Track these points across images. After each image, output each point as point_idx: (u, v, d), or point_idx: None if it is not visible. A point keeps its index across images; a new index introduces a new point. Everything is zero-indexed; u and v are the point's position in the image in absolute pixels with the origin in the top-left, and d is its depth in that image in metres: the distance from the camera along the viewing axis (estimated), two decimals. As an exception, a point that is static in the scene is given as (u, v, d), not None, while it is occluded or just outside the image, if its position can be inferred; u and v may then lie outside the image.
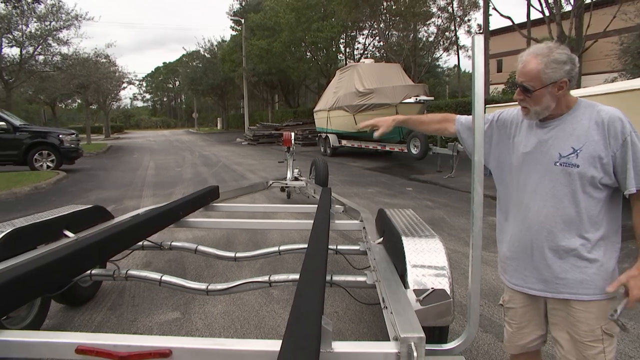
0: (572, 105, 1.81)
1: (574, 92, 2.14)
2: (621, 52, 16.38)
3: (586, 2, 15.29)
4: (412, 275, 2.32)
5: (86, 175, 13.67)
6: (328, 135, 18.15)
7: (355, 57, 32.00)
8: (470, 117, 2.00)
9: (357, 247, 3.50)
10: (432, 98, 14.91)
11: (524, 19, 20.66)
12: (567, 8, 16.02)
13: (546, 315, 1.93)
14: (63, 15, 20.42)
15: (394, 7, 23.84)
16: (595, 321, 1.76)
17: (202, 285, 2.85)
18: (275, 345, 1.48)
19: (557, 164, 1.78)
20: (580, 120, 1.76)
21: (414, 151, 13.42)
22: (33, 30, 19.62)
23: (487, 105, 11.31)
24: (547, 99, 1.77)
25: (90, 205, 3.91)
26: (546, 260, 1.83)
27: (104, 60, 30.74)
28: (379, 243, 3.13)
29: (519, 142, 1.93)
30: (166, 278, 2.90)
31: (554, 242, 1.80)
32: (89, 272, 3.05)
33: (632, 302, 1.65)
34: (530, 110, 1.82)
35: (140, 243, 3.61)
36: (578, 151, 1.74)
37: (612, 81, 16.39)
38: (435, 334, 2.26)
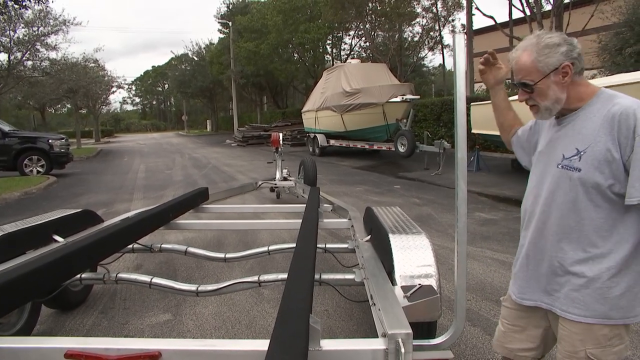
0: (588, 99, 1.58)
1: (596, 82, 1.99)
2: (599, 49, 16.64)
3: (565, 1, 15.52)
4: (400, 272, 2.34)
5: (76, 180, 13.58)
6: (316, 135, 18.19)
7: (342, 57, 32.08)
8: (526, 130, 1.92)
9: (345, 245, 3.53)
10: (418, 97, 15.00)
11: (507, 18, 20.87)
12: (548, 7, 16.25)
13: (545, 330, 1.78)
14: (51, 21, 20.20)
15: (379, 7, 23.95)
16: (580, 343, 1.58)
17: (192, 287, 2.86)
18: (263, 345, 1.49)
19: (559, 166, 1.60)
20: (593, 116, 1.53)
21: (402, 149, 13.51)
22: (21, 36, 19.40)
23: (471, 104, 11.44)
24: (554, 91, 1.58)
25: (80, 210, 3.90)
26: (541, 271, 1.69)
27: (92, 64, 30.49)
28: (366, 241, 3.16)
29: (538, 141, 1.81)
30: (156, 280, 2.91)
31: (552, 253, 1.64)
32: (79, 276, 3.04)
33: None
34: (540, 107, 1.63)
35: (131, 246, 3.60)
36: (582, 153, 1.52)
37: (592, 78, 16.63)
38: (424, 329, 2.29)
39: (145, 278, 2.94)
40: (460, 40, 1.73)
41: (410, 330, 1.63)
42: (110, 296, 4.11)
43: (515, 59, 1.64)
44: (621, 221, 1.50)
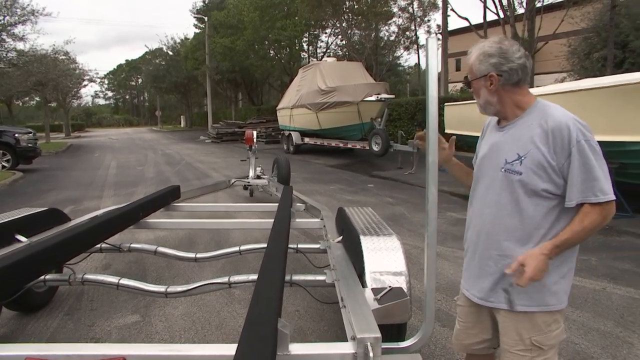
0: (527, 107, 1.72)
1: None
2: (569, 53, 17.11)
3: (537, 5, 15.88)
4: (370, 274, 2.35)
5: (44, 175, 13.18)
6: (291, 133, 18.14)
7: (318, 55, 32.06)
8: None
9: (317, 246, 3.51)
10: (393, 96, 15.10)
11: (481, 20, 21.21)
12: (521, 11, 16.60)
13: (494, 322, 1.86)
14: (18, 10, 19.56)
15: (356, 6, 24.00)
16: (525, 332, 1.70)
17: (161, 288, 2.80)
18: (230, 349, 1.46)
19: (502, 169, 1.73)
20: (530, 125, 1.68)
21: (376, 148, 13.58)
22: (-15, 26, 18.75)
23: (445, 104, 11.58)
24: (484, 93, 1.75)
25: (45, 208, 3.78)
26: (488, 270, 1.78)
27: (63, 57, 29.63)
28: (338, 242, 3.15)
29: (481, 146, 1.93)
30: (124, 282, 2.83)
31: (498, 251, 1.74)
32: (43, 277, 2.93)
33: (523, 280, 1.58)
34: (479, 102, 1.81)
35: (99, 246, 3.50)
36: (522, 158, 1.66)
37: (562, 81, 17.08)
38: (393, 331, 2.30)
39: (113, 279, 2.86)
40: (433, 43, 1.73)
41: (379, 334, 1.62)
42: (77, 297, 4.00)
43: (468, 55, 1.81)
44: (557, 219, 1.67)
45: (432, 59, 1.74)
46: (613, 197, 1.58)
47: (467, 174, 2.09)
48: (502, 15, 16.18)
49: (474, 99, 1.85)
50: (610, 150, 5.80)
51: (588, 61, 16.00)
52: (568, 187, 1.60)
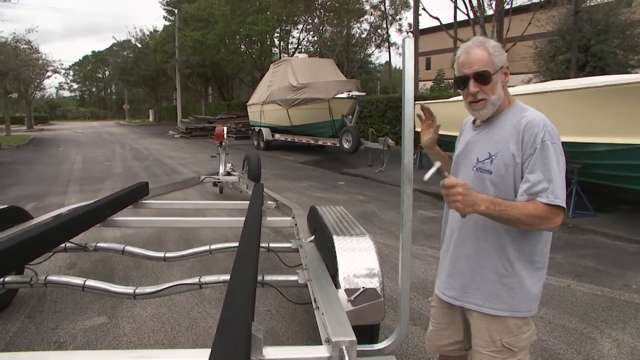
0: (505, 107, 1.72)
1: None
2: (535, 55, 17.55)
3: (506, 7, 16.21)
4: (343, 275, 2.33)
5: (4, 170, 12.69)
6: (261, 129, 17.98)
7: (290, 51, 31.87)
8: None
9: (289, 245, 3.48)
10: (364, 94, 15.15)
11: (452, 20, 21.53)
12: (490, 12, 16.92)
13: (466, 324, 1.86)
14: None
15: (328, 3, 23.97)
16: (496, 334, 1.70)
17: (129, 289, 2.71)
18: (203, 354, 1.42)
19: (474, 168, 1.72)
20: (505, 124, 1.68)
21: (346, 145, 13.62)
22: None
23: (415, 102, 11.70)
24: (499, 87, 1.68)
25: (6, 206, 3.62)
26: (459, 268, 1.79)
27: (25, 46, 28.47)
28: (310, 241, 3.13)
29: (458, 146, 1.92)
30: (90, 283, 2.73)
31: (469, 251, 1.75)
32: (1, 280, 2.78)
33: (447, 183, 1.51)
34: (488, 100, 1.68)
35: (63, 245, 3.37)
36: (493, 157, 1.66)
37: (528, 82, 17.50)
38: (367, 332, 2.29)
39: (78, 280, 2.75)
40: (410, 44, 1.71)
41: (354, 338, 1.61)
42: (39, 298, 3.84)
43: (467, 52, 1.68)
44: None
45: (408, 60, 1.72)
46: (563, 204, 1.54)
47: (448, 166, 1.99)
48: (472, 16, 16.44)
49: (459, 98, 1.78)
50: (575, 151, 5.98)
51: (553, 63, 16.42)
52: (523, 181, 1.58)
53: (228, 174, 7.75)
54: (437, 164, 1.55)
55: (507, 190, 1.64)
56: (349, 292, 2.19)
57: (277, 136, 17.62)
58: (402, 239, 1.79)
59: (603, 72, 14.22)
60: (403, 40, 1.74)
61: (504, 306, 1.69)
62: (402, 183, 1.74)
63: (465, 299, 1.78)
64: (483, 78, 1.65)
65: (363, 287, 2.22)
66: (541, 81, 16.28)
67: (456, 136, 2.01)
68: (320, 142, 15.68)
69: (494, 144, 1.68)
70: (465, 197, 1.51)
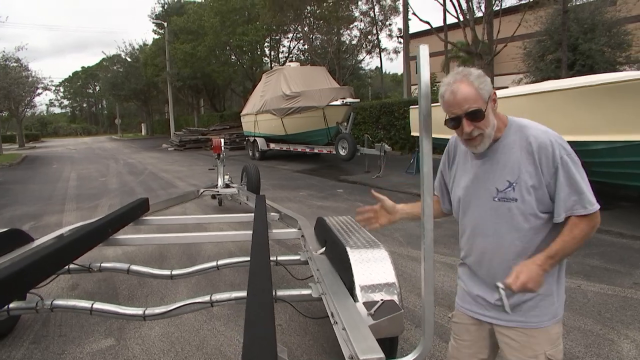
0: (503, 128, 1.70)
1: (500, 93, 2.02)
2: (524, 55, 17.68)
3: (495, 9, 16.34)
4: (361, 288, 2.28)
5: (-2, 190, 12.55)
6: (256, 139, 17.95)
7: (281, 60, 31.94)
8: (442, 185, 2.00)
9: (297, 257, 3.44)
10: (358, 100, 15.19)
11: (442, 23, 21.64)
12: (480, 14, 17.03)
13: (492, 340, 1.83)
14: (-41, 15, 18.61)
15: (317, 11, 24.08)
16: (539, 347, 1.68)
17: (139, 311, 2.64)
18: None
19: (496, 199, 1.69)
20: (512, 148, 1.66)
21: (342, 152, 13.60)
22: None
23: (410, 107, 11.74)
24: (492, 117, 1.65)
25: (5, 229, 3.53)
26: (488, 291, 1.75)
27: (14, 64, 28.37)
28: (321, 253, 3.07)
29: (460, 175, 1.86)
30: (98, 305, 2.66)
31: (505, 272, 1.64)
32: (6, 307, 2.68)
33: (517, 284, 1.54)
34: (484, 134, 1.65)
35: (66, 267, 3.30)
36: (514, 184, 1.64)
37: (519, 82, 17.60)
38: (386, 345, 2.23)
39: (86, 304, 2.67)
40: (425, 51, 1.67)
41: (382, 355, 1.57)
42: (43, 322, 3.75)
43: (454, 91, 1.63)
44: (551, 236, 1.64)
45: (424, 67, 1.68)
46: (598, 206, 1.59)
47: (418, 212, 1.91)
48: (462, 19, 16.54)
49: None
50: (575, 150, 5.97)
51: (542, 63, 16.53)
52: (556, 202, 1.61)
53: (227, 186, 7.68)
54: (502, 291, 1.60)
55: (535, 212, 1.63)
56: (367, 305, 2.14)
57: (272, 146, 17.58)
58: (423, 250, 1.74)
59: (592, 70, 14.33)
60: (418, 47, 1.70)
61: (547, 316, 1.68)
62: (422, 193, 1.69)
63: (503, 317, 1.72)
64: (476, 116, 1.62)
65: (382, 300, 2.17)
66: (532, 81, 16.38)
67: None
68: (316, 150, 15.65)
69: (510, 171, 1.65)
70: (535, 281, 1.54)
